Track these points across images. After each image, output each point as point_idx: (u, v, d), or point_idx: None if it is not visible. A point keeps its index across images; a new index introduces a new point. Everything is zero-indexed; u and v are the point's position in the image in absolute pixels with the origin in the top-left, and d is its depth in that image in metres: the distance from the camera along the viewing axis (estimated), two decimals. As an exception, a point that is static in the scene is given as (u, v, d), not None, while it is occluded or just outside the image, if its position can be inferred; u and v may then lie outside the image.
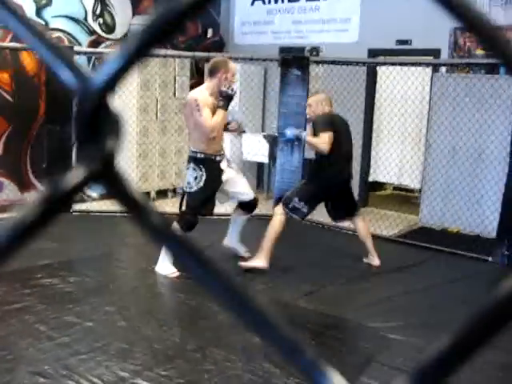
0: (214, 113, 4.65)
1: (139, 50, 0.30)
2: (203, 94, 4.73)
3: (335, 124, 4.88)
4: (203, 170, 4.74)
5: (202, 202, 4.75)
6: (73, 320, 3.73)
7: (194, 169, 4.76)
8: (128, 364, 3.21)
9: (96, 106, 0.28)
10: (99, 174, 0.29)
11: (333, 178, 4.99)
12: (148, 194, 7.62)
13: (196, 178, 4.73)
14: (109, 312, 3.90)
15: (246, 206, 5.19)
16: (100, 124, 0.28)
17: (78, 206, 6.74)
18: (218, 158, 4.83)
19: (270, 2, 8.55)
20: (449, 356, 0.29)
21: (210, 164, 4.76)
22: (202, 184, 4.72)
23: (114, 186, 0.31)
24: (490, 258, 5.48)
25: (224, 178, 4.87)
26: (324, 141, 4.74)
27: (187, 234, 5.39)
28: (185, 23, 0.31)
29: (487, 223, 6.08)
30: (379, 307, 4.24)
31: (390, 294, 4.50)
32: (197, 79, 8.42)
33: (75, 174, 0.28)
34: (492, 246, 5.57)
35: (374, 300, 4.38)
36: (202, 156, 4.76)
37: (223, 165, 4.90)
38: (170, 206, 7.27)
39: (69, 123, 6.46)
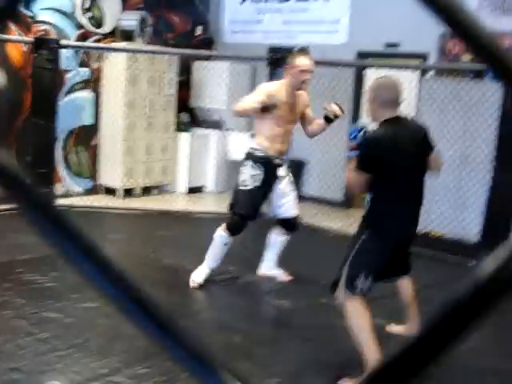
0: (269, 109, 4.24)
1: None
2: (273, 84, 4.54)
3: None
4: (262, 169, 4.42)
5: (253, 202, 4.43)
6: (53, 316, 3.69)
7: (253, 166, 4.41)
8: (107, 361, 3.19)
9: None
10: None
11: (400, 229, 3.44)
12: (133, 190, 7.58)
13: (253, 175, 4.40)
14: (89, 308, 3.86)
15: (287, 224, 4.67)
16: None
17: (61, 201, 6.68)
18: (277, 161, 4.48)
19: (259, 2, 8.53)
20: (415, 352, 0.27)
21: (268, 165, 4.43)
22: (258, 184, 4.40)
23: (17, 187, 0.29)
24: (473, 262, 5.50)
25: (277, 185, 4.53)
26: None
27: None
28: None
29: (471, 227, 6.10)
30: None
31: (371, 297, 4.49)
32: (185, 76, 8.40)
33: None
34: (475, 249, 5.59)
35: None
36: (263, 155, 4.43)
37: (281, 171, 4.55)
38: (154, 203, 7.24)
39: (54, 118, 6.41)
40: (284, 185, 4.57)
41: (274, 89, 4.31)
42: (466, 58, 6.67)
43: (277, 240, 4.73)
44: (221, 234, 4.43)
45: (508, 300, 0.27)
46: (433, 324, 0.28)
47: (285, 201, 4.58)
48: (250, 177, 4.40)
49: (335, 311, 3.51)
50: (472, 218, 6.14)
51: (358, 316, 3.29)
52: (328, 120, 4.35)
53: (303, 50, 4.36)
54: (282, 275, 4.74)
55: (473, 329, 0.28)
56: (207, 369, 0.30)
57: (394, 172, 3.20)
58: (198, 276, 4.49)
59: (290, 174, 4.67)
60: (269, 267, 4.78)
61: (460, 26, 0.30)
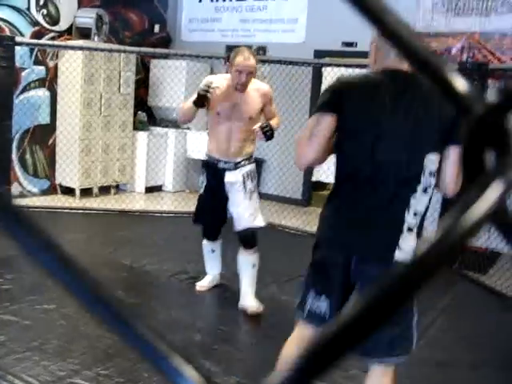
0: (205, 102, 3.83)
1: None
2: (217, 76, 4.13)
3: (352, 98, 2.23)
4: (204, 174, 4.06)
5: (201, 209, 4.12)
6: (9, 318, 3.63)
7: (202, 171, 4.12)
8: (66, 363, 3.15)
9: None
10: None
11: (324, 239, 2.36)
12: (90, 189, 7.50)
13: (202, 182, 4.09)
14: (47, 310, 3.81)
15: (240, 239, 4.05)
16: None
17: (17, 202, 6.56)
18: (221, 165, 3.95)
19: (217, 0, 8.52)
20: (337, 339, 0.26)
21: (212, 170, 4.00)
22: (202, 191, 4.10)
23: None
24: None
25: (228, 192, 4.00)
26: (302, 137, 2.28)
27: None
28: None
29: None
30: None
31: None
32: (142, 75, 8.34)
33: None
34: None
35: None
36: (206, 158, 4.08)
37: (229, 176, 3.96)
38: (112, 203, 7.17)
39: (9, 116, 6.29)
40: (234, 193, 3.96)
41: (216, 80, 3.88)
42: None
43: (241, 264, 4.11)
44: (203, 242, 4.34)
45: (428, 285, 0.28)
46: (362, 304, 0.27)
47: (236, 211, 3.98)
48: (200, 182, 4.13)
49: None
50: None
51: (290, 344, 2.45)
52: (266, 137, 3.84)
53: (245, 49, 3.88)
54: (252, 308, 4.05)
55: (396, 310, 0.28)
56: (172, 365, 0.30)
57: (352, 145, 2.18)
58: (202, 282, 4.45)
59: (248, 179, 3.98)
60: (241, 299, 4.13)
61: (388, 28, 0.30)
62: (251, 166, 4.04)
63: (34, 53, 7.12)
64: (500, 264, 5.57)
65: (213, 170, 3.98)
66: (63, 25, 7.39)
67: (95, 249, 5.31)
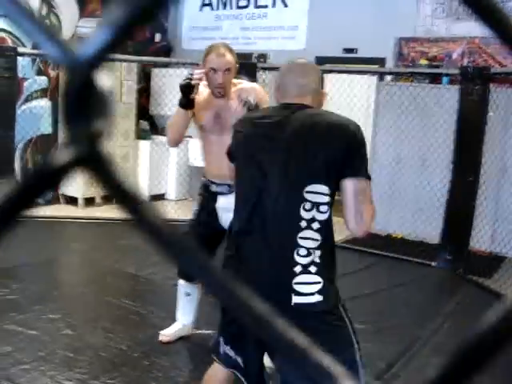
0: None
1: (131, 19, 0.27)
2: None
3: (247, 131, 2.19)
4: (199, 199, 3.49)
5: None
6: (15, 328, 3.63)
7: (197, 198, 3.54)
8: (73, 373, 3.14)
9: (83, 84, 0.26)
10: (86, 157, 0.27)
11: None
12: (93, 199, 7.50)
13: (193, 209, 3.52)
14: (53, 320, 3.81)
15: None
16: (88, 103, 0.26)
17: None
18: (213, 188, 3.35)
19: (218, 8, 8.55)
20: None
21: (204, 194, 3.42)
22: (193, 218, 3.50)
23: (101, 170, 0.29)
24: (433, 263, 5.60)
25: (223, 222, 3.26)
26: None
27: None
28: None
29: (430, 229, 6.21)
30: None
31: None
32: (144, 84, 8.36)
33: (61, 156, 0.27)
34: (435, 251, 5.69)
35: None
36: (202, 179, 3.48)
37: (223, 201, 3.29)
38: (115, 212, 7.15)
39: (12, 126, 6.30)
40: (224, 221, 3.21)
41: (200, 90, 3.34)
42: (423, 62, 6.80)
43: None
44: (178, 282, 3.67)
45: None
46: (460, 353, 0.28)
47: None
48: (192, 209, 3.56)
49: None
50: (431, 220, 6.25)
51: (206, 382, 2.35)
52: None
53: (220, 44, 3.45)
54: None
55: (495, 359, 0.29)
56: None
57: (239, 173, 2.16)
58: (167, 330, 3.68)
59: None
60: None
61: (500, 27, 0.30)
62: None
63: (36, 63, 7.15)
64: (505, 268, 5.56)
65: (206, 194, 3.39)
66: (65, 35, 7.41)
67: (99, 258, 5.31)
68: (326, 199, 1.95)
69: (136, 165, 7.99)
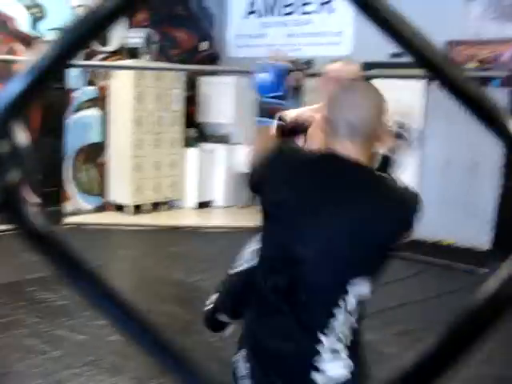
0: None
1: (48, 67, 0.27)
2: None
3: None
4: None
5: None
6: (65, 334, 3.70)
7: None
8: (121, 378, 3.19)
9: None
10: (2, 205, 0.28)
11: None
12: (142, 206, 7.60)
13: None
14: (102, 325, 3.86)
15: None
16: (2, 155, 0.27)
17: (71, 219, 6.71)
18: None
19: (264, 15, 8.58)
20: (426, 365, 0.28)
21: None
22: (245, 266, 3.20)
23: (16, 216, 0.30)
24: (483, 270, 5.47)
25: None
26: None
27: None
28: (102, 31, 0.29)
29: (482, 235, 6.07)
30: (374, 320, 4.22)
31: (385, 307, 4.48)
32: (192, 92, 8.44)
33: None
34: (486, 257, 5.57)
35: (369, 313, 4.36)
36: None
37: None
38: (164, 219, 7.25)
39: (62, 136, 6.45)
40: None
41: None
42: (472, 65, 6.67)
43: None
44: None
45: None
46: (449, 333, 0.29)
47: None
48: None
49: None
50: (482, 225, 6.12)
51: None
52: None
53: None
54: None
55: (485, 337, 0.29)
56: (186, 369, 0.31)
57: (266, 235, 1.78)
58: None
59: None
60: None
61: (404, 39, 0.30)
62: None
63: (86, 74, 7.30)
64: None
65: None
66: (113, 45, 7.56)
67: (148, 264, 5.37)
68: (366, 295, 1.73)
69: (184, 172, 8.06)
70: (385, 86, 6.28)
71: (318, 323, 1.67)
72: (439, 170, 6.54)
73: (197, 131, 8.42)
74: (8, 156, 0.28)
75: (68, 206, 7.09)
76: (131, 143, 7.38)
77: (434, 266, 5.70)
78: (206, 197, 8.24)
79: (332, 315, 1.66)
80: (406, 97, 6.85)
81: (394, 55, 7.29)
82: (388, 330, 3.99)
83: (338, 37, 7.86)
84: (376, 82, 6.40)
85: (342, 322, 1.68)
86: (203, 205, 8.17)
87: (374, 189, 1.66)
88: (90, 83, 7.39)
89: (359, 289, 1.66)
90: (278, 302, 1.71)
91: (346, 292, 1.63)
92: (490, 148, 6.12)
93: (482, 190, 6.21)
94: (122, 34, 7.58)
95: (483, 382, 3.34)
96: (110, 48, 7.53)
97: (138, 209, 7.53)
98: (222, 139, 8.25)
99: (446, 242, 6.49)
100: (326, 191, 1.64)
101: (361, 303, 1.71)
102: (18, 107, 0.27)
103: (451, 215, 6.41)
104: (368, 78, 7.03)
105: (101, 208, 7.60)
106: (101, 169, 7.61)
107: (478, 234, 6.16)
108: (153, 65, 7.48)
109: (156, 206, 7.80)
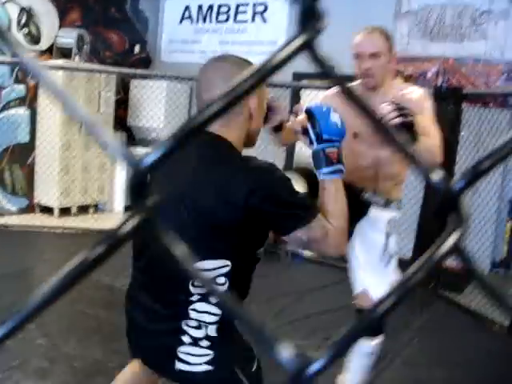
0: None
1: (178, 143, 0.39)
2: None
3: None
4: None
5: None
6: (-11, 337, 3.62)
7: None
8: (47, 383, 3.15)
9: (143, 180, 0.39)
10: (147, 221, 0.39)
11: None
12: (69, 208, 7.48)
13: None
14: (27, 329, 3.80)
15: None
16: (144, 190, 0.40)
17: (-5, 220, 6.55)
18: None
19: (197, 22, 8.62)
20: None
21: None
22: None
23: (155, 229, 0.41)
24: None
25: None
26: None
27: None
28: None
29: (402, 245, 6.29)
30: (300, 325, 4.32)
31: (311, 313, 4.60)
32: (122, 95, 8.38)
33: (127, 225, 0.39)
34: (409, 265, 5.77)
35: (295, 318, 4.46)
36: None
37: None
38: (91, 222, 7.17)
39: None
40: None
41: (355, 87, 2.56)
42: (399, 81, 6.92)
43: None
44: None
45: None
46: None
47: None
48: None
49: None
50: (405, 235, 6.35)
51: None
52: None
53: (371, 26, 2.81)
54: None
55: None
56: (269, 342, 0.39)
57: None
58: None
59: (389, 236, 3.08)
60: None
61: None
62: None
63: (15, 72, 7.14)
64: (475, 283, 5.66)
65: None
66: (44, 44, 7.42)
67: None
68: (223, 271, 1.65)
69: (112, 176, 7.99)
70: (315, 95, 6.40)
71: (177, 310, 1.70)
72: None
73: (127, 135, 8.36)
74: (147, 192, 0.40)
75: (-9, 207, 6.91)
76: (59, 144, 7.26)
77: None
78: (135, 201, 8.19)
79: (188, 302, 1.67)
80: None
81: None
82: (315, 335, 4.09)
83: (271, 46, 7.99)
84: (306, 92, 6.54)
85: (199, 308, 1.68)
86: (130, 208, 8.11)
87: (218, 160, 1.65)
88: (19, 81, 7.23)
89: (214, 271, 1.63)
90: (143, 284, 1.86)
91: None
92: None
93: (403, 202, 6.44)
94: (53, 33, 7.46)
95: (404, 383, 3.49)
96: (41, 47, 7.40)
97: (65, 211, 7.41)
98: (152, 143, 8.22)
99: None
100: (177, 166, 1.62)
101: (227, 287, 1.66)
102: (156, 165, 0.42)
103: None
104: (298, 89, 7.19)
105: (26, 210, 7.43)
106: (28, 170, 7.45)
107: (400, 244, 6.38)
108: (84, 66, 7.39)
109: (84, 209, 7.70)
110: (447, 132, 5.51)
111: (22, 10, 7.11)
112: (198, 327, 1.68)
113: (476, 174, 0.43)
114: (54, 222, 7.09)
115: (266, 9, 8.07)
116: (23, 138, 7.34)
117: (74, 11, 7.71)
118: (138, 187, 0.39)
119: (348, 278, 4.87)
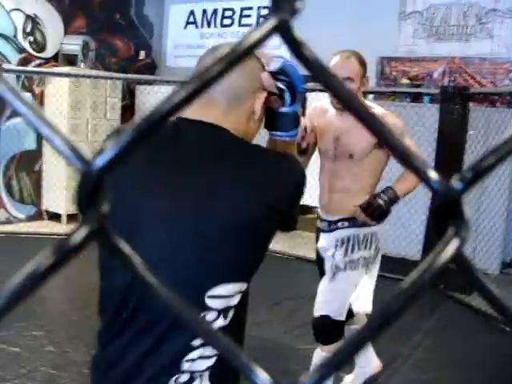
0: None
1: (137, 137, 0.33)
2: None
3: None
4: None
5: None
6: (-3, 346, 3.62)
7: None
8: (56, 390, 3.15)
9: (95, 186, 0.33)
10: (97, 231, 0.34)
11: None
12: (77, 215, 7.49)
13: None
14: (36, 336, 3.81)
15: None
16: (97, 196, 0.33)
17: (3, 228, 6.56)
18: (318, 224, 3.13)
19: (202, 26, 8.63)
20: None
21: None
22: None
23: (108, 240, 0.36)
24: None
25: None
26: None
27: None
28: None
29: (412, 246, 6.27)
30: (311, 329, 4.29)
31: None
32: (128, 101, 8.39)
33: (78, 234, 0.33)
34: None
35: (303, 322, 4.44)
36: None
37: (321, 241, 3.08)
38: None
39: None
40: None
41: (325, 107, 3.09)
42: (404, 81, 6.90)
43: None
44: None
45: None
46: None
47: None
48: None
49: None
50: (414, 236, 6.32)
51: None
52: None
53: (347, 51, 2.92)
54: None
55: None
56: (247, 366, 0.37)
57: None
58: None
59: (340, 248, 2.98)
60: None
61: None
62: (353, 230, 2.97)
63: (21, 80, 7.16)
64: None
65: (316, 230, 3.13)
66: (50, 51, 7.45)
67: (82, 274, 5.30)
68: (237, 299, 1.33)
69: (120, 181, 8.00)
70: (320, 99, 6.39)
71: (166, 365, 1.33)
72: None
73: (134, 140, 8.36)
74: (100, 197, 0.34)
75: (1, 215, 6.93)
76: (66, 151, 7.27)
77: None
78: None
79: (185, 352, 1.31)
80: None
81: (330, 69, 7.47)
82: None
83: (276, 50, 7.98)
84: (311, 95, 6.53)
85: (195, 356, 1.32)
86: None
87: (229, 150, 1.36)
88: (26, 89, 7.25)
89: (227, 300, 1.32)
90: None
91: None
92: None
93: (412, 202, 6.42)
94: (58, 41, 7.48)
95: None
96: (47, 54, 7.42)
97: (73, 218, 7.42)
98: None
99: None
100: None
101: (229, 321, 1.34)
102: (111, 166, 0.33)
103: (384, 226, 6.59)
104: (304, 91, 7.17)
105: (34, 217, 7.45)
106: (35, 177, 7.46)
107: (410, 245, 6.36)
108: (89, 72, 7.40)
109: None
110: (454, 132, 5.49)
111: (28, 17, 7.14)
112: (190, 380, 1.32)
113: (478, 172, 0.40)
114: (62, 228, 7.10)
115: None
116: (30, 145, 7.36)
117: (79, 18, 7.74)
118: (87, 194, 0.33)
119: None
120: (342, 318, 2.89)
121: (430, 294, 4.98)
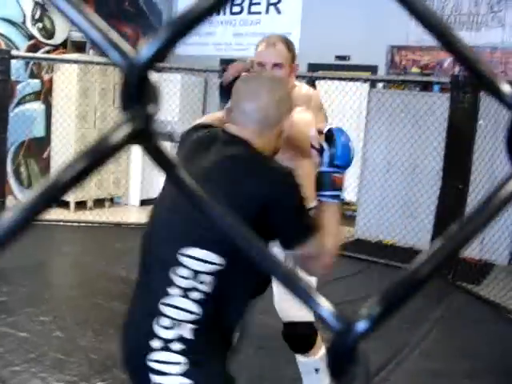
0: None
1: (178, 33, 0.34)
2: None
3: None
4: None
5: None
6: (6, 330, 3.63)
7: None
8: (64, 375, 3.16)
9: (140, 80, 0.32)
10: (141, 132, 0.32)
11: None
12: (85, 202, 7.50)
13: None
14: (44, 322, 3.82)
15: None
16: (142, 94, 0.32)
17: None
18: None
19: (211, 14, 8.59)
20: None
21: None
22: None
23: (151, 144, 0.35)
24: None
25: None
26: None
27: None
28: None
29: (421, 235, 6.25)
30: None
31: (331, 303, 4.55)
32: (137, 88, 8.37)
33: (119, 132, 0.32)
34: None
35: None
36: None
37: None
38: (107, 215, 7.18)
39: (5, 129, 6.31)
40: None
41: None
42: (414, 70, 6.86)
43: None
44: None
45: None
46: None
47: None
48: None
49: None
50: (422, 226, 6.30)
51: None
52: None
53: (274, 35, 2.70)
54: None
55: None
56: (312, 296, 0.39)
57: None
58: None
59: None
60: None
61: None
62: None
63: (30, 66, 7.15)
64: (493, 275, 5.61)
65: None
66: (58, 38, 7.43)
67: (90, 261, 5.31)
68: (212, 268, 1.52)
69: (128, 169, 8.00)
70: (329, 87, 6.36)
71: (152, 304, 1.56)
72: (380, 171, 6.70)
73: (142, 128, 8.36)
74: (147, 94, 0.33)
75: (9, 201, 6.94)
76: (75, 138, 7.27)
77: (377, 264, 5.84)
78: (150, 194, 8.19)
79: (165, 293, 1.53)
80: (349, 99, 6.99)
81: (340, 58, 7.43)
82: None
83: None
84: (321, 83, 6.51)
85: (177, 303, 1.53)
86: (147, 202, 8.12)
87: (245, 162, 1.62)
88: (34, 76, 7.24)
89: (196, 266, 1.52)
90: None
91: (176, 264, 1.53)
92: (430, 151, 6.31)
93: (421, 192, 6.40)
94: (67, 27, 7.46)
95: (421, 375, 3.45)
96: (55, 41, 7.41)
97: (80, 205, 7.43)
98: (167, 136, 8.21)
99: (387, 241, 6.66)
100: (200, 159, 1.62)
101: (210, 295, 1.53)
102: (155, 60, 0.33)
103: (392, 216, 6.58)
104: (313, 80, 7.14)
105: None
106: (44, 164, 7.47)
107: (418, 234, 6.34)
108: (98, 59, 7.38)
109: (99, 203, 7.72)
110: (464, 121, 5.45)
111: (36, 4, 7.12)
112: (171, 327, 1.51)
113: (389, 306, 0.37)
114: (69, 215, 7.11)
115: (279, 0, 8.02)
116: (39, 132, 7.36)
117: (88, 5, 7.70)
118: (133, 88, 0.32)
119: (367, 269, 4.85)
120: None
121: (438, 284, 4.97)
